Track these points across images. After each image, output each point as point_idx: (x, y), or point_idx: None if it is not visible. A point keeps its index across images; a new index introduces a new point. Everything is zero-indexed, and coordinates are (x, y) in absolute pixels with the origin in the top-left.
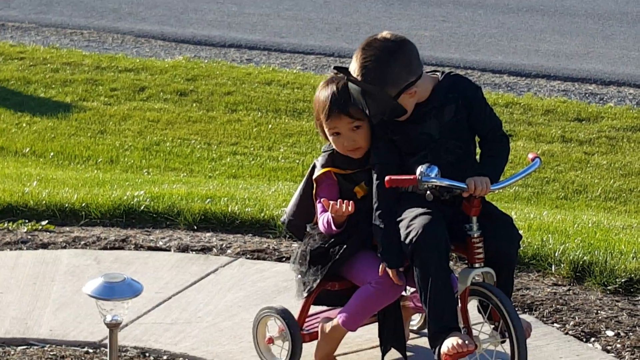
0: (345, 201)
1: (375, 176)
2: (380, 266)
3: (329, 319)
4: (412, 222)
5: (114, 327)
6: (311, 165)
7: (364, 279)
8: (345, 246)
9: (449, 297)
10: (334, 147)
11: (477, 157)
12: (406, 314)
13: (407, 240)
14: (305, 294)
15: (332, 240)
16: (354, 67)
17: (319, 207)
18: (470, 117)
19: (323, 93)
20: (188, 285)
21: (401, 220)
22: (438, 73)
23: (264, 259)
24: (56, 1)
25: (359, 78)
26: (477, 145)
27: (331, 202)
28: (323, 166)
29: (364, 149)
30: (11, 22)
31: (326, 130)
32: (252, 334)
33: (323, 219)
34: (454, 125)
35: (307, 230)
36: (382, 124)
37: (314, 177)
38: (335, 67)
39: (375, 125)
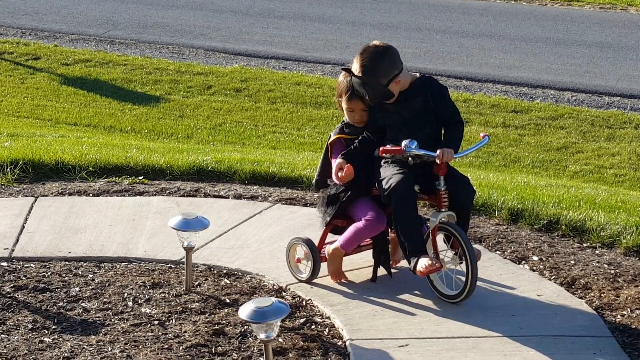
0: (347, 168)
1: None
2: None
3: (332, 244)
4: (390, 178)
5: (189, 250)
6: (329, 137)
7: (358, 217)
8: (349, 192)
9: (415, 228)
10: (346, 119)
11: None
12: (394, 245)
13: (387, 191)
14: (324, 225)
15: (342, 188)
16: (355, 67)
17: (333, 162)
18: (436, 107)
19: (345, 81)
20: (241, 222)
21: (384, 178)
22: (417, 74)
23: (294, 204)
24: (149, 25)
25: (360, 74)
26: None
27: (340, 170)
28: (336, 134)
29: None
30: (118, 39)
31: (344, 106)
32: (286, 256)
33: (335, 174)
34: (422, 110)
35: (328, 183)
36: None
37: (328, 142)
38: (342, 68)
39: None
